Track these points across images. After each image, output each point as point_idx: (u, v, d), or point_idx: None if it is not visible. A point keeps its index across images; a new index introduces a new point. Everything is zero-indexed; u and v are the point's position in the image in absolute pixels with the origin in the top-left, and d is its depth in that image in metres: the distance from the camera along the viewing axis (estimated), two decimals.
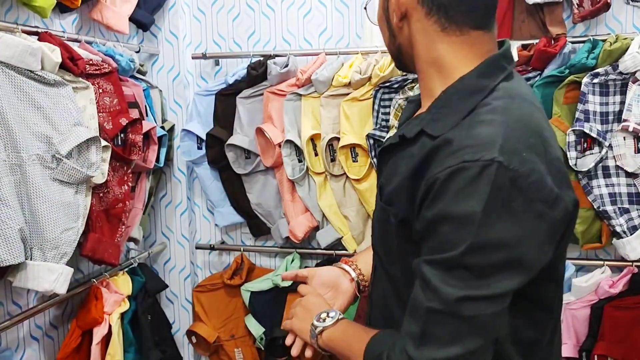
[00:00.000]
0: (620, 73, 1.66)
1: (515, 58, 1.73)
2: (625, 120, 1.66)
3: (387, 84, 1.84)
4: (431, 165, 0.71)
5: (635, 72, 1.64)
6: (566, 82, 1.70)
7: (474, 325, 0.67)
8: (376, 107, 1.87)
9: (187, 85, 2.09)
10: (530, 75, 1.76)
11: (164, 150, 1.97)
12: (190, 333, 2.08)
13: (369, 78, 1.85)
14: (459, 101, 0.74)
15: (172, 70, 2.07)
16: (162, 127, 1.99)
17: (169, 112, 2.09)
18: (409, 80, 1.84)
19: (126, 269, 1.90)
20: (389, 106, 1.86)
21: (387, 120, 1.87)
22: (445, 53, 0.77)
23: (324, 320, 0.88)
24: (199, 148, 2.04)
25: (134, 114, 1.78)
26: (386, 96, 1.87)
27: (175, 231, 2.13)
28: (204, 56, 2.03)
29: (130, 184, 1.77)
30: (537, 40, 1.74)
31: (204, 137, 2.01)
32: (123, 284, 1.83)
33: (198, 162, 2.06)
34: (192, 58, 2.05)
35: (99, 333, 1.67)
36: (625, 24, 1.79)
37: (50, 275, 1.39)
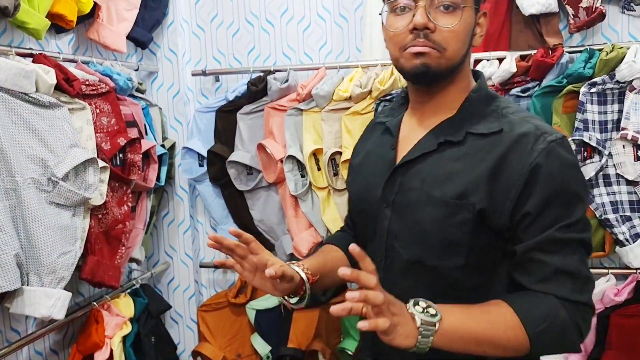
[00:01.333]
0: (618, 82, 1.66)
1: (514, 69, 1.75)
2: (623, 129, 1.66)
3: (388, 97, 1.81)
4: (515, 156, 0.83)
5: (632, 81, 1.64)
6: (564, 91, 1.71)
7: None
8: None
9: (188, 102, 2.08)
10: (529, 85, 1.77)
11: (164, 169, 1.95)
12: (195, 354, 2.05)
13: (370, 92, 1.82)
14: (484, 106, 0.90)
15: (172, 87, 2.06)
16: (163, 146, 1.97)
17: (170, 129, 2.07)
18: None
19: (128, 291, 1.87)
20: None
21: None
22: (469, 72, 0.95)
23: (427, 310, 0.76)
24: (201, 165, 2.02)
25: (133, 133, 1.76)
26: None
27: (178, 250, 2.10)
28: (204, 73, 2.01)
29: (130, 204, 1.74)
30: (534, 51, 1.76)
31: (205, 155, 1.98)
32: (125, 306, 1.80)
33: (200, 179, 2.04)
34: (192, 75, 2.04)
35: (100, 357, 1.64)
36: (621, 33, 1.79)
37: (48, 301, 1.37)
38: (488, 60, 1.79)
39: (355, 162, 1.07)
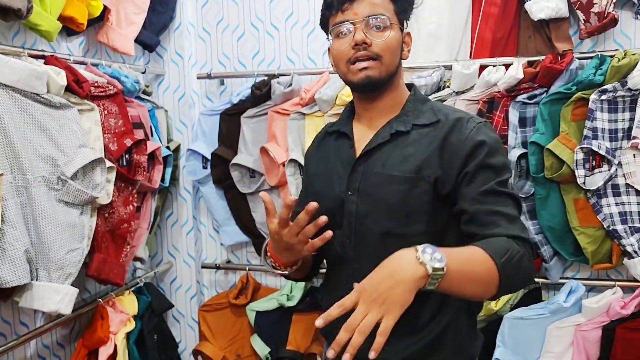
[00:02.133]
0: (629, 89, 1.63)
1: (521, 75, 1.72)
2: (634, 138, 1.63)
3: None
4: (454, 135, 1.03)
5: None
6: (573, 99, 1.67)
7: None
8: None
9: (193, 105, 2.11)
10: (536, 92, 1.74)
11: (169, 170, 1.99)
12: (196, 353, 2.07)
13: None
14: (421, 105, 1.12)
15: (177, 90, 2.09)
16: (168, 147, 2.00)
17: (175, 132, 2.11)
18: None
19: (132, 289, 1.90)
20: None
21: None
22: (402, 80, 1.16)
23: (434, 256, 0.81)
24: (204, 167, 2.05)
25: (139, 134, 1.80)
26: None
27: (181, 250, 2.13)
28: (209, 76, 2.05)
29: (135, 204, 1.78)
30: (543, 57, 1.73)
31: (209, 157, 2.02)
32: (129, 303, 1.83)
33: (203, 181, 2.07)
34: (198, 78, 2.08)
35: (104, 353, 1.67)
36: (634, 39, 1.77)
37: (56, 296, 1.40)
38: (494, 66, 1.77)
39: (312, 168, 1.22)
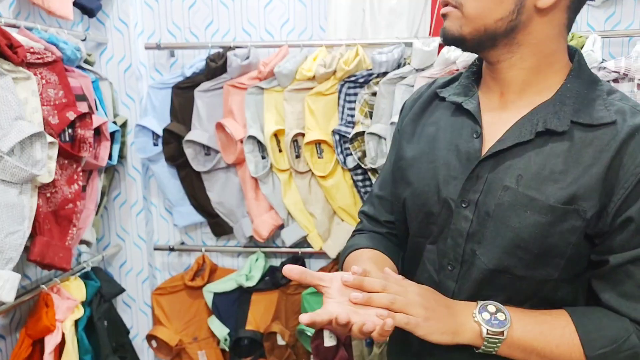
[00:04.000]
0: None
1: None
2: None
3: (353, 79, 1.80)
4: (630, 151, 0.72)
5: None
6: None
7: None
8: (341, 102, 1.83)
9: (140, 78, 1.98)
10: None
11: (116, 147, 1.86)
12: (150, 337, 1.99)
13: (334, 72, 1.80)
14: (588, 90, 0.76)
15: (123, 61, 1.95)
16: (114, 122, 1.87)
17: (121, 106, 1.97)
18: (375, 75, 1.81)
19: (78, 274, 1.78)
20: (355, 101, 1.83)
21: (353, 116, 1.83)
22: (562, 49, 0.79)
23: (497, 315, 0.72)
24: (155, 144, 1.94)
25: (83, 107, 1.66)
26: (352, 91, 1.83)
27: (131, 232, 2.01)
28: (158, 46, 1.92)
29: (80, 183, 1.65)
30: None
31: (160, 133, 1.90)
32: (76, 289, 1.71)
33: (154, 159, 1.95)
34: (145, 48, 1.94)
35: (51, 342, 1.56)
36: (580, 23, 1.83)
37: None
38: None
39: (408, 143, 0.89)
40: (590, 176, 0.73)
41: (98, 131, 1.76)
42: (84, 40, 1.84)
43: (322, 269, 1.93)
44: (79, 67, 1.76)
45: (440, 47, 1.81)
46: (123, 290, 1.91)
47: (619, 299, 0.73)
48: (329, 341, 1.87)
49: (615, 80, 1.69)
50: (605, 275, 0.75)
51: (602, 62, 1.67)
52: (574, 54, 0.81)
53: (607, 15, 1.81)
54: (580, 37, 1.68)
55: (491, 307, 0.73)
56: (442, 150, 0.83)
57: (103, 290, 1.81)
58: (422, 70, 1.80)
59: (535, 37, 0.75)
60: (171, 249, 2.02)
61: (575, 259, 0.76)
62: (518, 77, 0.78)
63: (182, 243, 2.08)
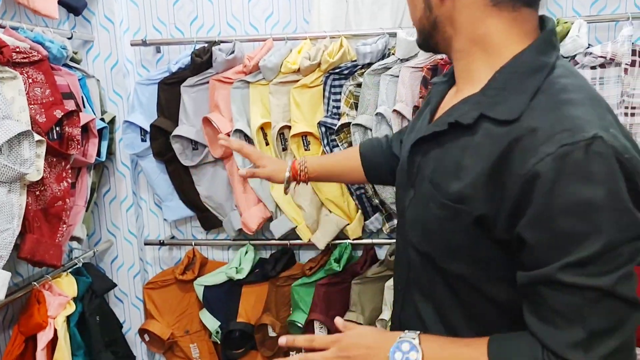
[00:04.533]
0: (563, 56, 1.70)
1: None
2: None
3: (337, 70, 1.82)
4: (516, 158, 0.64)
5: (575, 55, 1.70)
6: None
7: (631, 303, 0.63)
8: (327, 93, 1.85)
9: (127, 74, 1.99)
10: None
11: (105, 144, 1.87)
12: (142, 331, 2.01)
13: (319, 64, 1.82)
14: (520, 81, 0.69)
15: (109, 58, 1.95)
16: (102, 119, 1.88)
17: (109, 102, 1.98)
18: (359, 66, 1.82)
19: (70, 270, 1.80)
20: (340, 92, 1.84)
21: (338, 107, 1.85)
22: (495, 30, 0.72)
23: (409, 355, 0.72)
24: (143, 140, 1.95)
25: (70, 105, 1.67)
26: (336, 82, 1.84)
27: (121, 228, 2.03)
28: (144, 43, 1.92)
29: (69, 180, 1.66)
30: None
31: (148, 129, 1.92)
32: (67, 285, 1.73)
33: (142, 155, 1.97)
34: (131, 45, 1.95)
35: (43, 338, 1.58)
36: (566, 8, 1.84)
37: None
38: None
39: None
40: (469, 177, 0.69)
41: (86, 128, 1.77)
42: (70, 38, 1.84)
43: (312, 260, 1.96)
44: (66, 65, 1.77)
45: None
46: (114, 285, 1.93)
47: (537, 323, 0.67)
48: (319, 332, 1.90)
49: (602, 65, 1.70)
50: (526, 294, 0.68)
51: (588, 47, 1.69)
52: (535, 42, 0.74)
53: (593, 0, 1.83)
54: (565, 22, 1.69)
55: (405, 346, 0.73)
56: (423, 112, 0.89)
57: (94, 286, 1.83)
58: (407, 60, 1.81)
59: (460, 25, 0.74)
60: (162, 244, 2.05)
61: (497, 259, 0.71)
62: (460, 66, 0.78)
63: (172, 237, 2.10)
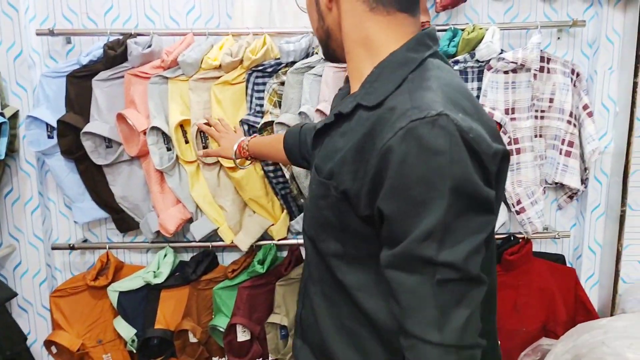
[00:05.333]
0: (477, 61, 1.77)
1: None
2: (482, 105, 1.78)
3: (261, 68, 1.78)
4: (378, 135, 0.71)
5: (489, 60, 1.76)
6: None
7: (477, 278, 0.69)
8: (249, 91, 1.80)
9: (33, 66, 1.84)
10: None
11: (4, 140, 1.72)
12: (49, 343, 1.86)
13: (241, 61, 1.77)
14: (390, 73, 0.77)
15: (12, 48, 1.80)
16: (2, 114, 1.73)
17: (11, 96, 1.82)
18: (283, 65, 1.79)
19: None
20: (263, 90, 1.81)
21: (262, 105, 1.81)
22: (374, 32, 0.80)
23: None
24: (50, 137, 1.81)
25: None
26: (260, 80, 1.80)
27: (25, 231, 1.88)
28: (52, 33, 1.79)
29: None
30: None
31: (55, 125, 1.78)
32: None
33: (49, 152, 1.83)
34: (37, 34, 1.80)
35: None
36: (481, 15, 1.91)
37: None
38: None
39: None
40: (339, 156, 0.78)
41: None
42: None
43: (235, 262, 1.90)
44: None
45: None
46: (14, 294, 1.77)
47: (395, 306, 0.71)
48: (242, 336, 1.85)
49: (514, 70, 1.79)
50: (386, 279, 0.72)
51: (501, 52, 1.76)
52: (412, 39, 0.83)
53: (506, 8, 1.91)
54: (480, 28, 1.76)
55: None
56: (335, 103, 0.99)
57: None
58: None
59: (346, 29, 0.83)
60: (72, 248, 1.91)
61: (365, 236, 0.77)
62: (350, 68, 0.85)
63: (85, 240, 1.97)
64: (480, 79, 1.81)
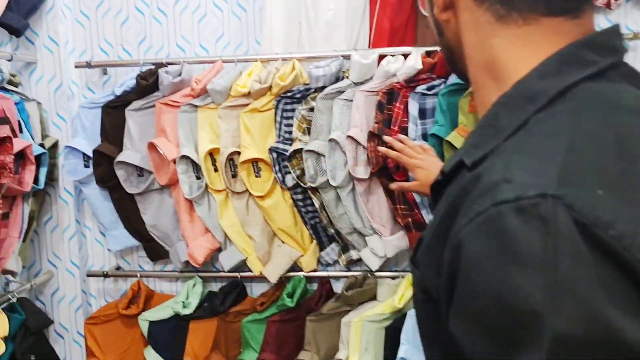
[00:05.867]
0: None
1: (419, 65, 1.67)
2: None
3: (289, 94, 1.73)
4: (455, 217, 0.46)
5: None
6: (470, 90, 1.64)
7: None
8: (278, 118, 1.76)
9: (72, 97, 1.90)
10: (435, 83, 1.69)
11: (44, 170, 1.77)
12: None
13: (270, 87, 1.73)
14: (508, 113, 0.49)
15: (53, 80, 1.87)
16: (42, 145, 1.79)
17: (52, 127, 1.88)
18: (312, 90, 1.74)
19: (3, 306, 1.69)
20: (292, 117, 1.76)
21: (290, 132, 1.76)
22: (502, 51, 0.53)
23: None
24: (86, 166, 1.85)
25: (4, 131, 1.58)
26: (288, 107, 1.76)
27: (63, 258, 1.92)
28: (89, 65, 1.83)
29: (0, 211, 1.57)
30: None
31: (91, 154, 1.82)
32: None
33: (85, 181, 1.87)
34: (75, 67, 1.86)
35: None
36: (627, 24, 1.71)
37: None
38: (393, 55, 1.70)
39: None
40: (428, 236, 0.52)
41: (23, 155, 1.68)
42: (10, 60, 1.77)
43: (264, 295, 1.85)
44: (2, 88, 1.69)
45: (380, 59, 1.74)
46: (51, 322, 1.81)
47: None
48: None
49: None
50: None
51: None
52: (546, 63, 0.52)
53: None
54: None
55: None
56: None
57: (28, 323, 1.72)
58: (361, 83, 1.73)
59: (467, 48, 0.57)
60: (105, 275, 1.93)
61: (442, 344, 0.51)
62: (477, 100, 0.59)
63: (118, 268, 1.99)
64: None
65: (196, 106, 1.78)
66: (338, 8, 1.76)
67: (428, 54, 1.70)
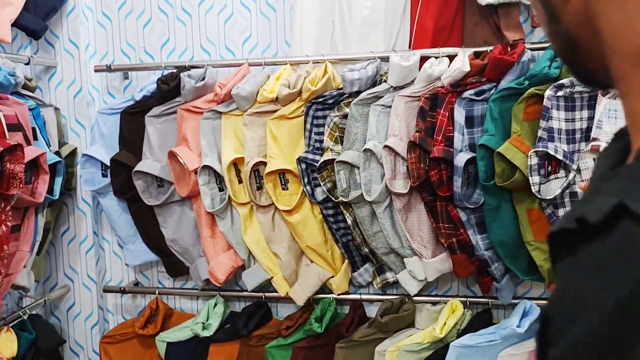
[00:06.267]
0: None
1: (467, 68, 1.52)
2: (595, 139, 1.45)
3: (321, 100, 1.59)
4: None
5: None
6: (526, 95, 1.49)
7: None
8: (308, 126, 1.62)
9: (92, 103, 1.80)
10: (484, 87, 1.54)
11: (59, 180, 1.68)
12: None
13: (299, 92, 1.60)
14: None
15: (73, 85, 1.78)
16: (58, 153, 1.69)
17: (71, 133, 1.79)
18: (346, 95, 1.60)
19: (13, 324, 1.59)
20: (323, 125, 1.62)
21: (321, 142, 1.62)
22: None
23: None
24: (104, 175, 1.75)
25: (16, 138, 1.49)
26: (319, 113, 1.62)
27: (80, 272, 1.82)
28: (109, 68, 1.74)
29: (9, 224, 1.47)
30: (491, 47, 1.53)
31: (109, 163, 1.71)
32: (5, 344, 1.52)
33: (103, 192, 1.76)
34: (95, 71, 1.76)
35: None
36: None
37: None
38: (437, 57, 1.57)
39: None
40: (589, 321, 0.27)
41: (37, 163, 1.59)
42: (27, 64, 1.69)
43: (290, 318, 1.70)
44: (17, 93, 1.60)
45: (422, 61, 1.59)
46: (63, 341, 1.71)
47: None
48: None
49: None
50: None
51: None
52: None
53: None
54: None
55: None
56: None
57: (39, 342, 1.62)
58: (401, 88, 1.60)
59: (608, 33, 0.28)
60: (122, 291, 1.82)
61: None
62: (624, 105, 0.40)
63: (137, 283, 1.88)
64: (592, 107, 1.48)
65: (220, 112, 1.66)
66: (376, 5, 1.62)
67: (476, 55, 1.57)
